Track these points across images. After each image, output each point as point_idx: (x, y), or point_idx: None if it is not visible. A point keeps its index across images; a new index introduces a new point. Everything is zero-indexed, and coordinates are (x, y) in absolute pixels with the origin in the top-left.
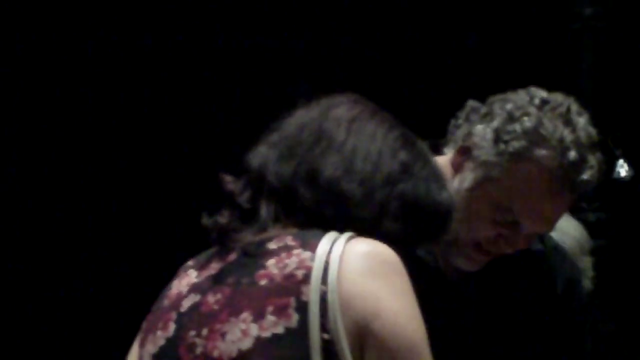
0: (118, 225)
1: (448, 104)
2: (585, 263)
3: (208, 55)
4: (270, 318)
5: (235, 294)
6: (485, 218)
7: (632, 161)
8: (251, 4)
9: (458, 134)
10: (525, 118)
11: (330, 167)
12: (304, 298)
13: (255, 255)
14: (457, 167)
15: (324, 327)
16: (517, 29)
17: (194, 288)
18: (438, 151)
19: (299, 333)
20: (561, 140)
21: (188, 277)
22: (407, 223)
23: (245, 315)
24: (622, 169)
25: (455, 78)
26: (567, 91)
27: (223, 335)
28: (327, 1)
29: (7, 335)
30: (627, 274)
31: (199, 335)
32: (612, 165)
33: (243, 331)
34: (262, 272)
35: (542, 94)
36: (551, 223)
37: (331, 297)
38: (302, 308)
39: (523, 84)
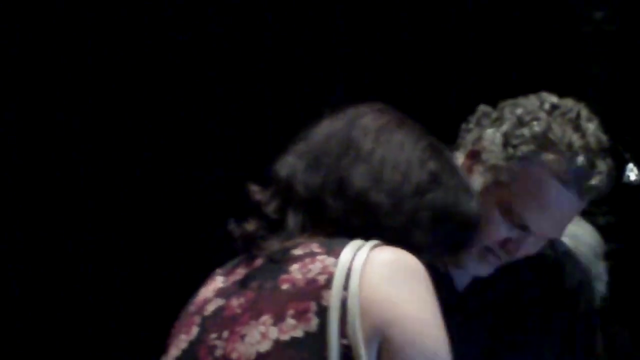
0: (124, 228)
1: (458, 108)
2: (599, 268)
3: (227, 59)
4: (290, 321)
5: (258, 298)
6: (495, 222)
7: None
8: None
9: (468, 138)
10: (535, 123)
11: (359, 177)
12: (324, 303)
13: (280, 261)
14: (466, 171)
15: (342, 333)
16: (527, 32)
17: (220, 293)
18: None
19: (318, 337)
20: (570, 145)
21: (215, 283)
22: (435, 233)
23: (266, 318)
24: (632, 173)
25: (466, 82)
26: (577, 95)
27: (242, 337)
28: (327, 1)
29: (7, 335)
30: (637, 278)
31: (219, 337)
32: (621, 169)
33: (262, 334)
34: (285, 276)
35: (553, 99)
36: (560, 228)
37: (351, 303)
38: (323, 313)
39: (533, 88)
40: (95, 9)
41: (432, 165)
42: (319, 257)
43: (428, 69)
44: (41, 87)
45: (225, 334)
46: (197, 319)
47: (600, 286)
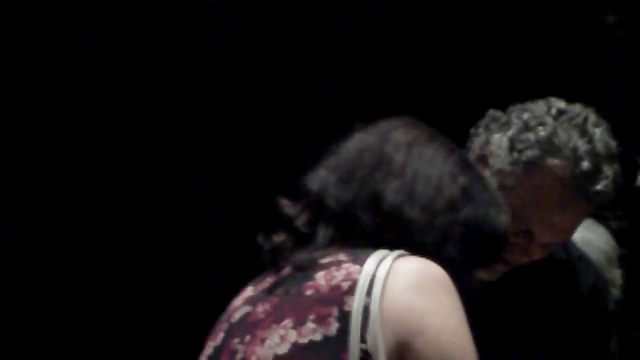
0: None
1: (469, 113)
2: (614, 274)
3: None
4: (310, 325)
5: (281, 303)
6: None
7: None
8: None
9: (476, 143)
10: (540, 128)
11: (392, 192)
12: (346, 308)
13: (307, 269)
14: None
15: (363, 338)
16: (540, 37)
17: (248, 301)
18: None
19: (337, 342)
20: (575, 150)
21: (245, 293)
22: (467, 248)
23: (287, 322)
24: None
25: (478, 87)
26: (590, 99)
27: (263, 341)
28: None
29: (7, 335)
30: None
31: (242, 342)
32: (634, 174)
33: (282, 337)
34: (310, 283)
35: (561, 104)
36: (566, 233)
37: (373, 309)
38: (344, 318)
39: (546, 93)
40: (95, 9)
41: (463, 179)
42: (344, 265)
43: (435, 72)
44: (41, 87)
45: (247, 338)
46: (225, 326)
47: (615, 291)
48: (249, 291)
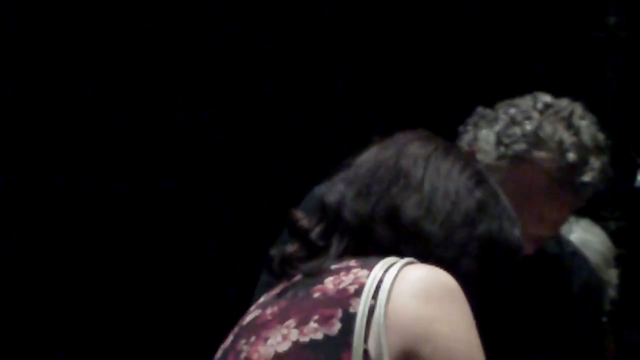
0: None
1: (469, 111)
2: (611, 274)
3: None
4: (313, 325)
5: (288, 306)
6: None
7: None
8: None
9: (465, 139)
10: (527, 122)
11: (411, 206)
12: (351, 310)
13: (317, 275)
14: None
15: (366, 339)
16: (540, 37)
17: (259, 305)
18: None
19: (337, 342)
20: (561, 142)
21: (259, 299)
22: (483, 262)
23: (290, 322)
24: None
25: (478, 87)
26: (591, 100)
27: (266, 340)
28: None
29: (7, 335)
30: None
31: (247, 342)
32: (634, 175)
33: (284, 336)
34: (318, 287)
35: (547, 98)
36: (555, 225)
37: (378, 313)
38: (347, 319)
39: (547, 93)
40: (94, 9)
41: (479, 193)
42: (353, 270)
43: (439, 72)
44: (41, 87)
45: (253, 338)
46: (236, 330)
47: (611, 292)
48: (262, 298)
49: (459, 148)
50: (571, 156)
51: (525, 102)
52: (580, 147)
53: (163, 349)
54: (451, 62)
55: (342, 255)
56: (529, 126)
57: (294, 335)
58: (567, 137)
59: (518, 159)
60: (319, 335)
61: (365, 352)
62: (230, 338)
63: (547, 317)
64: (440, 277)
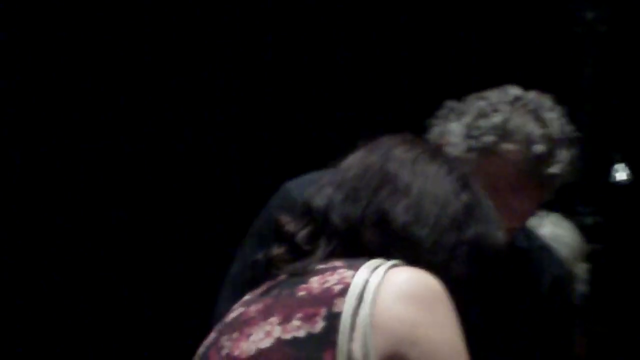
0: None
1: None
2: (580, 269)
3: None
4: (296, 323)
5: (273, 303)
6: None
7: (631, 165)
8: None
9: (435, 132)
10: (495, 114)
11: (400, 211)
12: (335, 309)
13: (303, 274)
14: None
15: (350, 339)
16: (518, 32)
17: (243, 303)
18: None
19: (320, 340)
20: (528, 134)
21: (243, 298)
22: (471, 266)
23: (274, 319)
24: (621, 173)
25: (456, 82)
26: (569, 95)
27: (249, 336)
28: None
29: (7, 335)
30: (624, 278)
31: (230, 338)
32: (610, 169)
33: (267, 332)
34: (303, 286)
35: (516, 91)
36: (523, 217)
37: (364, 314)
38: (331, 318)
39: (525, 88)
40: (95, 9)
41: (465, 197)
42: (339, 271)
43: (418, 67)
44: (41, 87)
45: (236, 335)
46: (219, 326)
47: (581, 286)
48: (246, 296)
49: (443, 151)
50: (539, 148)
51: (494, 94)
52: (548, 140)
53: (163, 349)
54: (427, 57)
55: (329, 258)
56: (497, 118)
57: (277, 332)
58: (535, 130)
59: (487, 151)
60: (301, 333)
61: (350, 352)
62: (213, 335)
63: (517, 311)
64: (427, 280)
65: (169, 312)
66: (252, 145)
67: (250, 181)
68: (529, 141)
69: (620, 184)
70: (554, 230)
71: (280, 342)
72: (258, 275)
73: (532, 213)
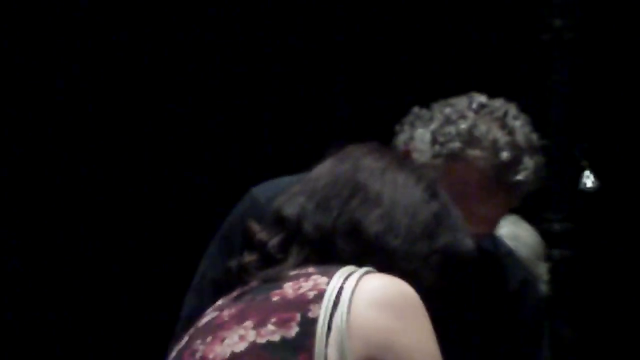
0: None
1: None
2: (541, 269)
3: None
4: (270, 327)
5: (246, 308)
6: None
7: (598, 172)
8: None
9: (401, 138)
10: (461, 121)
11: (373, 221)
12: (310, 315)
13: (276, 280)
14: None
15: (326, 345)
16: (486, 40)
17: (215, 308)
18: None
19: (294, 344)
20: (494, 141)
21: (215, 303)
22: (442, 274)
23: (248, 323)
24: (589, 180)
25: (422, 88)
26: (537, 101)
27: (223, 340)
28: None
29: (7, 335)
30: (593, 285)
31: (203, 342)
32: (578, 176)
33: (241, 336)
34: (277, 291)
35: (482, 99)
36: (489, 223)
37: (339, 319)
38: (306, 323)
39: (493, 95)
40: (94, 9)
41: (435, 205)
42: (313, 277)
43: (388, 74)
44: (40, 87)
45: (209, 338)
46: (191, 330)
47: (542, 286)
48: (219, 301)
49: (410, 160)
50: (505, 155)
51: (461, 101)
52: (514, 147)
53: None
54: (393, 63)
55: (301, 265)
56: (463, 125)
57: (251, 336)
58: (501, 137)
59: (453, 157)
60: (276, 337)
61: (326, 357)
62: (185, 338)
63: (487, 317)
64: (401, 287)
65: (169, 312)
66: (251, 145)
67: (250, 181)
68: (495, 148)
69: (588, 191)
70: (513, 230)
71: (254, 346)
72: (230, 281)
73: (498, 220)
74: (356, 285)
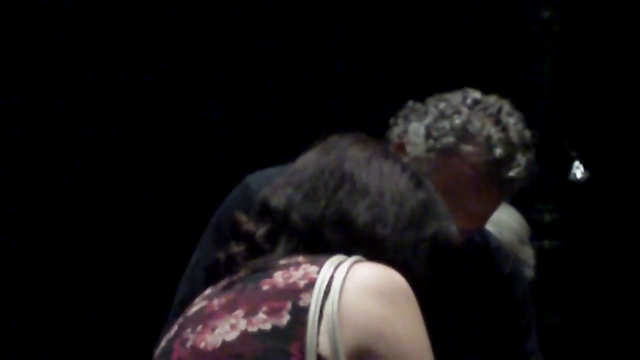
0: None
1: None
2: (526, 253)
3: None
4: (261, 316)
5: (237, 297)
6: None
7: (588, 163)
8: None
9: (395, 132)
10: (456, 116)
11: (362, 211)
12: (301, 304)
13: (265, 269)
14: None
15: (317, 333)
16: (474, 32)
17: (204, 297)
18: None
19: (285, 333)
20: (488, 137)
21: (204, 292)
22: (430, 262)
23: (239, 312)
24: (578, 171)
25: (414, 82)
26: (526, 93)
27: (214, 329)
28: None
29: (7, 335)
30: (582, 275)
31: (193, 331)
32: (568, 167)
33: (232, 325)
34: (267, 280)
35: (476, 94)
36: (481, 219)
37: (331, 307)
38: (297, 312)
39: (482, 87)
40: (94, 9)
41: (421, 194)
42: (303, 266)
43: (376, 67)
44: (40, 87)
45: (199, 327)
46: (180, 320)
47: (528, 271)
48: (207, 290)
49: (393, 150)
50: (498, 151)
51: (455, 97)
52: (507, 143)
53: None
54: (383, 58)
55: (290, 254)
56: (457, 120)
57: (243, 325)
58: (495, 133)
59: (446, 152)
60: (267, 326)
61: (318, 345)
62: (175, 328)
63: (477, 308)
64: (392, 275)
65: (166, 306)
66: (251, 145)
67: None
68: (488, 144)
69: (578, 182)
70: (497, 215)
71: (246, 335)
72: (219, 270)
73: (489, 215)
74: (347, 273)
